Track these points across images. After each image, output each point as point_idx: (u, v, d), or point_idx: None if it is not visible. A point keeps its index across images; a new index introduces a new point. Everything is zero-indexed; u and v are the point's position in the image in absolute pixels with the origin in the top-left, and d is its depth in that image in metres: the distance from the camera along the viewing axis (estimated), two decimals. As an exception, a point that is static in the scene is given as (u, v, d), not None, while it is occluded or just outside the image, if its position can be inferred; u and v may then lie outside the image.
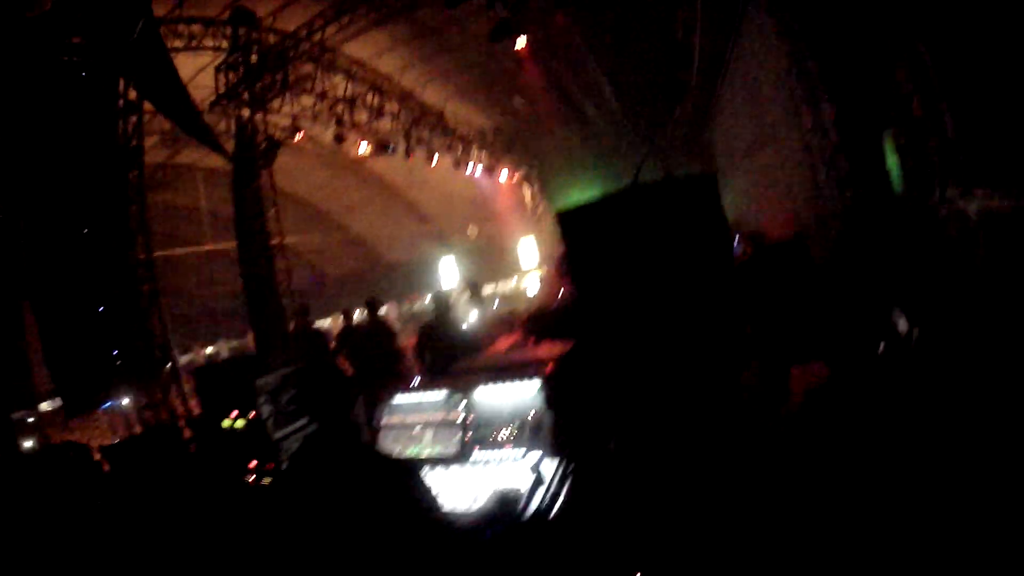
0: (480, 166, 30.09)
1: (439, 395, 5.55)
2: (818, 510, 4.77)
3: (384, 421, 5.60)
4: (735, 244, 14.67)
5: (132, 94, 11.68)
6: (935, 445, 5.06)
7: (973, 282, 7.72)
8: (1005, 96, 8.01)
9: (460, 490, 4.65)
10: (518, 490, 4.33)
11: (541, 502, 4.24)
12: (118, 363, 11.30)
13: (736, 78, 21.41)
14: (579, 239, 4.56)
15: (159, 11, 13.16)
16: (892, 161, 11.60)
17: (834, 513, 4.73)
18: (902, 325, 6.69)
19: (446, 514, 3.70)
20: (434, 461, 5.10)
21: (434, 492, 3.58)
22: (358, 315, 16.44)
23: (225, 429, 7.74)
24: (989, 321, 6.35)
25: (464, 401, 5.36)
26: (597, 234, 4.41)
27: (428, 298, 13.66)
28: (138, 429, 11.83)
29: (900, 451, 5.17)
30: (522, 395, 5.10)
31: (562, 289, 21.03)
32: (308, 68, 19.19)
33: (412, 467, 3.50)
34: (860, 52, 11.94)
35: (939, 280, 8.00)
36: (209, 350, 32.76)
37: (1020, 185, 7.49)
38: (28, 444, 11.60)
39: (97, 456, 9.06)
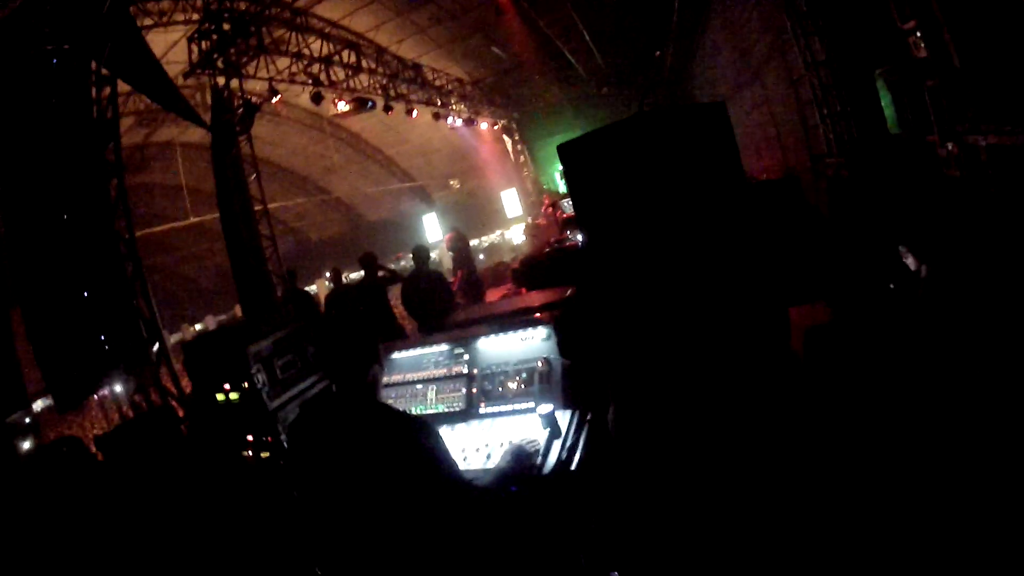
0: (460, 119, 29.64)
1: (440, 349, 5.37)
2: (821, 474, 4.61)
3: (384, 379, 5.30)
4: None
5: (105, 72, 11.33)
6: (945, 393, 4.90)
7: (979, 217, 7.58)
8: (1011, 29, 7.81)
9: (471, 447, 4.45)
10: (535, 441, 4.14)
11: (560, 454, 4.06)
12: (106, 348, 11.02)
13: (720, 16, 21.17)
14: (583, 172, 4.28)
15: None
16: (886, 99, 11.34)
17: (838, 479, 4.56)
18: (911, 262, 6.51)
19: (461, 473, 3.46)
20: (440, 419, 4.88)
21: (447, 450, 3.38)
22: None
23: (219, 403, 7.40)
24: (998, 256, 6.21)
25: (467, 354, 5.19)
26: (603, 165, 4.15)
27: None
28: (131, 414, 11.58)
29: (909, 402, 5.00)
30: (527, 343, 4.97)
31: (549, 237, 20.96)
32: (282, 32, 18.81)
33: (429, 425, 3.30)
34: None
35: (943, 217, 7.84)
36: (198, 327, 32.57)
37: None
38: (25, 445, 11.39)
39: (92, 448, 8.88)
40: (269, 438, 7.07)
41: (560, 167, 4.43)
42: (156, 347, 12.00)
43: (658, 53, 28.43)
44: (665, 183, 3.89)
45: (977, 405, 4.62)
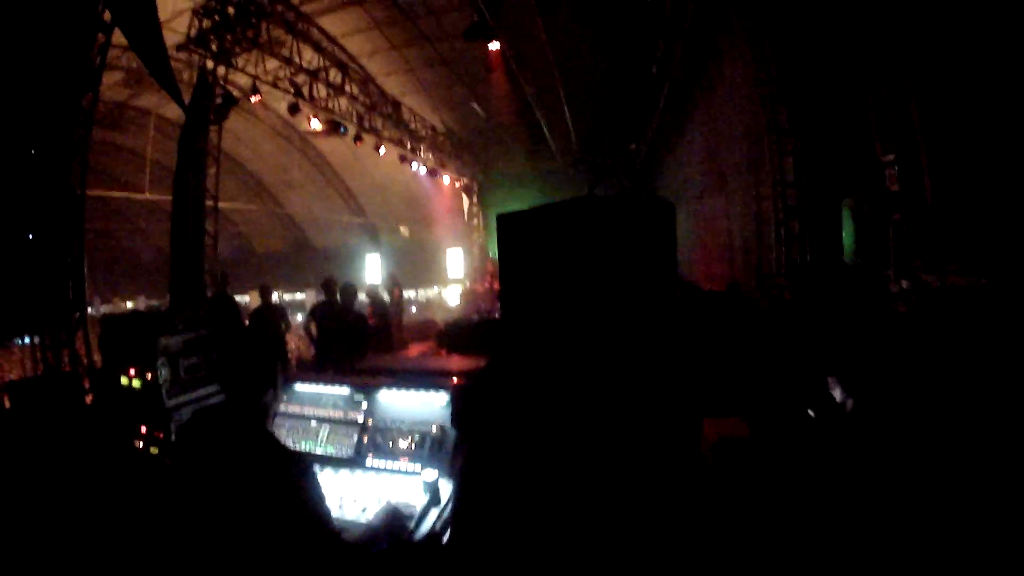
0: (425, 167, 29.80)
1: (341, 390, 5.32)
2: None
3: (281, 408, 5.25)
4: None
5: (107, 15, 11.27)
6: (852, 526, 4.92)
7: (924, 357, 7.71)
8: (988, 175, 8.04)
9: (349, 497, 4.46)
10: (412, 506, 4.18)
11: (435, 523, 4.08)
12: (35, 296, 10.85)
13: (701, 119, 21.57)
14: (517, 246, 4.33)
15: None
16: (848, 228, 11.57)
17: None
18: (837, 394, 6.58)
19: (335, 521, 3.47)
20: (326, 460, 4.87)
21: (326, 495, 3.39)
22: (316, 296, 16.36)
23: (122, 386, 7.41)
24: (937, 401, 6.30)
25: (365, 402, 5.15)
26: (538, 243, 4.19)
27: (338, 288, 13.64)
28: (41, 367, 11.39)
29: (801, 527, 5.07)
30: (428, 406, 4.95)
31: (481, 304, 21.00)
32: (280, 32, 18.89)
33: (308, 465, 3.27)
34: (838, 115, 12.00)
35: (880, 352, 7.95)
36: (129, 304, 32.11)
37: (996, 262, 7.51)
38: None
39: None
40: (160, 434, 7.09)
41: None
42: (78, 314, 11.80)
43: (632, 146, 28.84)
44: (597, 274, 3.95)
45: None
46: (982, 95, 7.99)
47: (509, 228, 4.30)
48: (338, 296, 12.92)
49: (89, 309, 12.08)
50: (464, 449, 3.96)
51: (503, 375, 4.56)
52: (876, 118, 10.54)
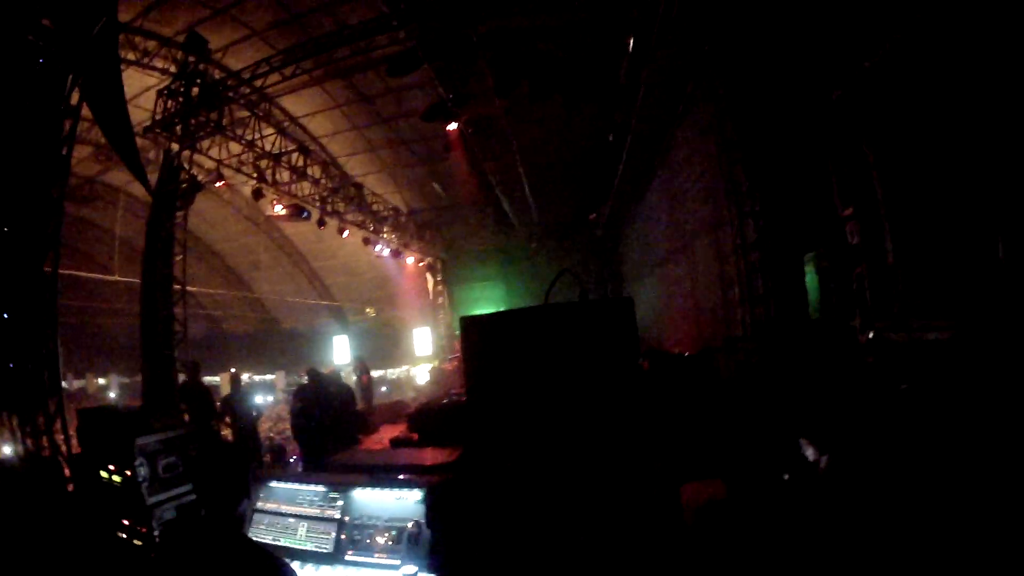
0: (388, 248, 29.87)
1: (317, 488, 5.41)
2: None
3: (259, 505, 5.40)
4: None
5: (74, 99, 11.38)
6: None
7: (892, 413, 7.76)
8: (950, 230, 8.17)
9: None
10: None
11: None
12: (11, 375, 10.83)
13: (662, 184, 21.82)
14: (481, 349, 4.50)
15: (123, 15, 13.01)
16: (812, 284, 11.69)
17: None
18: (810, 453, 6.65)
19: None
20: (306, 556, 4.98)
21: None
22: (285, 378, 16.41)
23: (103, 479, 7.54)
24: (907, 455, 6.36)
25: (341, 500, 5.25)
26: (501, 346, 4.36)
27: (305, 374, 13.73)
28: (20, 450, 11.30)
29: None
30: (402, 502, 5.02)
31: (451, 383, 21.04)
32: (243, 114, 19.08)
33: (283, 562, 3.35)
34: (794, 172, 12.15)
35: (853, 409, 8.01)
36: (101, 381, 31.87)
37: (960, 318, 7.59)
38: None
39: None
40: (143, 528, 7.13)
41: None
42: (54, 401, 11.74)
43: (592, 216, 29.13)
44: (562, 372, 4.11)
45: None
46: (944, 155, 8.17)
47: (470, 330, 4.47)
48: (320, 382, 13.06)
49: (63, 384, 12.00)
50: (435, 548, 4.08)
51: (473, 472, 4.66)
52: (835, 173, 10.73)
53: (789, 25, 11.11)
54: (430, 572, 4.40)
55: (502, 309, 4.45)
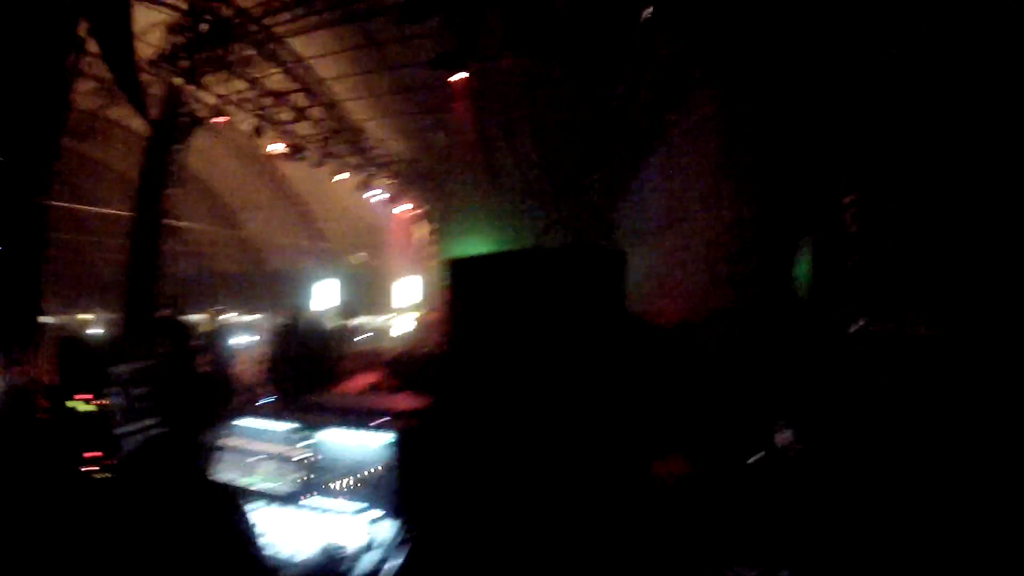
0: (385, 194, 29.66)
1: (286, 427, 5.37)
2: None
3: (224, 442, 5.38)
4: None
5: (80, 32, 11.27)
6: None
7: (874, 405, 7.75)
8: (953, 226, 8.14)
9: (287, 534, 4.52)
10: (346, 548, 4.26)
11: (374, 563, 4.16)
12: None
13: (661, 157, 21.70)
14: (466, 292, 4.46)
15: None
16: (804, 269, 11.62)
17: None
18: (785, 437, 6.67)
19: (267, 558, 3.56)
20: (268, 497, 4.95)
21: (259, 532, 3.49)
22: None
23: (75, 410, 7.47)
24: (884, 448, 6.36)
25: (309, 440, 5.20)
26: (487, 290, 4.33)
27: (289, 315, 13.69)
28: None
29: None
30: (371, 446, 4.98)
31: (433, 334, 21.03)
32: (250, 52, 18.93)
33: (238, 502, 3.37)
34: (799, 155, 12.06)
35: (833, 397, 8.00)
36: (89, 316, 31.77)
37: (952, 315, 7.57)
38: None
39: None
40: (111, 459, 7.11)
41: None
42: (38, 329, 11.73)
43: (590, 179, 29.03)
44: (546, 319, 4.07)
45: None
46: (950, 150, 8.14)
47: (456, 272, 4.44)
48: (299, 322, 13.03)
49: (49, 318, 11.99)
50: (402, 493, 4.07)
51: (446, 418, 4.66)
52: (841, 161, 10.67)
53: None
54: (395, 516, 4.41)
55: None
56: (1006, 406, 5.87)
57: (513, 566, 3.87)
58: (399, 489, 4.54)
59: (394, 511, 4.44)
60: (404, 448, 4.43)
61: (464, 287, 4.43)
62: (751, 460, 6.80)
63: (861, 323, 9.69)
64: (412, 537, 4.19)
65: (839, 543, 5.05)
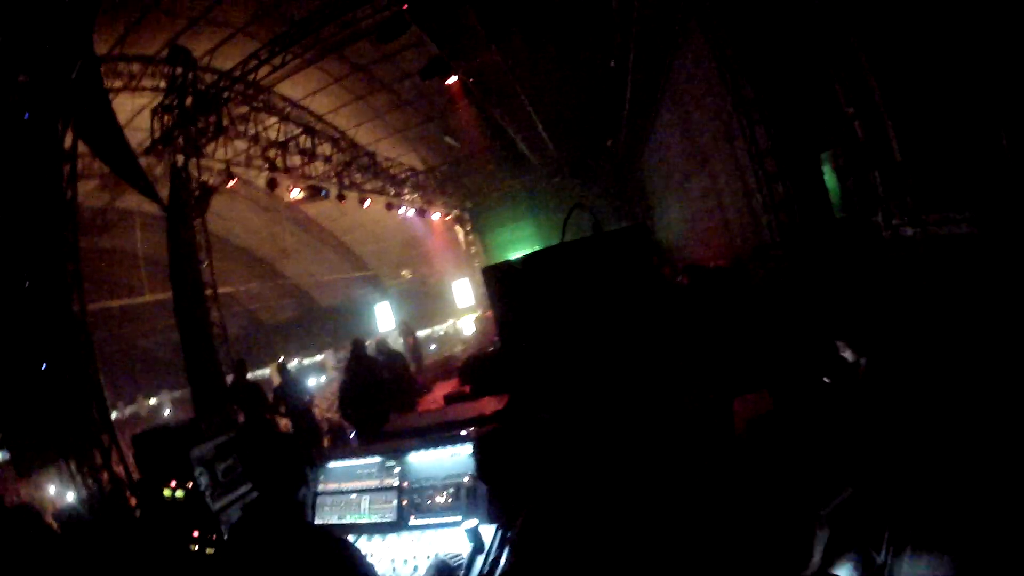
0: (412, 209, 29.91)
1: (372, 460, 5.45)
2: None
3: (320, 487, 5.46)
4: (676, 274, 14.57)
5: (67, 142, 11.42)
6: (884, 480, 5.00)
7: (920, 308, 7.66)
8: (956, 117, 7.99)
9: (399, 559, 4.59)
10: (459, 556, 4.30)
11: (482, 568, 4.21)
12: (61, 422, 11.01)
13: (671, 104, 21.57)
14: (505, 296, 4.49)
15: (100, 48, 13.04)
16: (831, 183, 11.54)
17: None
18: (848, 355, 6.60)
19: None
20: (372, 528, 5.03)
21: (372, 563, 3.53)
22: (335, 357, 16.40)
23: (166, 498, 7.60)
24: (936, 349, 6.30)
25: (397, 467, 5.27)
26: (524, 290, 4.35)
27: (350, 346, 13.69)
28: (83, 492, 11.50)
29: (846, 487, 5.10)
30: (456, 459, 5.06)
31: (490, 337, 21.05)
32: (243, 110, 19.10)
33: (348, 542, 3.46)
34: (798, 75, 11.95)
35: (885, 306, 7.91)
36: (152, 401, 32.29)
37: (974, 211, 7.44)
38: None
39: (49, 520, 8.98)
40: (214, 536, 7.27)
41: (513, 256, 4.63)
42: (105, 431, 11.89)
43: (609, 142, 28.92)
44: (583, 308, 4.08)
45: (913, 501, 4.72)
46: (938, 47, 7.98)
47: (492, 279, 4.47)
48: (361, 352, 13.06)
49: (115, 414, 12.16)
50: (513, 510, 4.06)
51: (521, 419, 4.65)
52: (836, 74, 10.53)
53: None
54: (489, 522, 4.49)
55: (532, 249, 4.42)
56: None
57: (613, 534, 3.88)
58: (489, 493, 4.61)
59: (488, 517, 4.52)
60: (483, 453, 4.45)
61: (501, 292, 4.46)
62: (823, 381, 6.76)
63: (888, 231, 9.56)
64: (512, 537, 4.17)
65: (903, 459, 5.02)
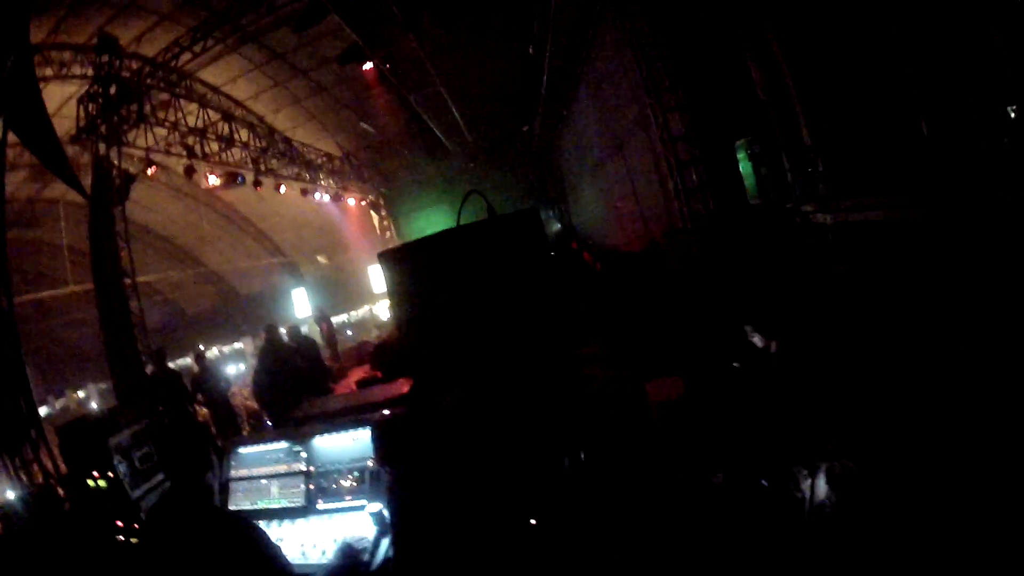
0: (327, 195, 29.75)
1: (280, 446, 5.50)
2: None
3: (232, 473, 5.52)
4: (589, 260, 14.83)
5: (-1, 134, 11.32)
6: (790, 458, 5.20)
7: (831, 293, 7.90)
8: (871, 104, 8.29)
9: (308, 543, 4.70)
10: (364, 539, 4.40)
11: (388, 550, 4.29)
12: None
13: (587, 93, 21.86)
14: (401, 279, 4.64)
15: (34, 37, 12.85)
16: (747, 170, 11.80)
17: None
18: (757, 340, 6.86)
19: (295, 569, 3.77)
20: (282, 513, 5.11)
21: (281, 547, 3.68)
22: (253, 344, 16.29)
23: (91, 488, 7.69)
24: (846, 332, 6.52)
25: (304, 452, 5.34)
26: (419, 273, 4.52)
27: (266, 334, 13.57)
28: (18, 489, 11.45)
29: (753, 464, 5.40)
30: (359, 443, 5.13)
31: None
32: (164, 97, 18.98)
33: (255, 526, 3.57)
34: (713, 61, 12.24)
35: (796, 290, 8.16)
36: (81, 394, 31.74)
37: (892, 197, 7.70)
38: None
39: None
40: (136, 524, 7.29)
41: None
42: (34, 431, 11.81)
43: (526, 128, 29.16)
44: (477, 288, 4.28)
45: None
46: (852, 36, 8.24)
47: (387, 263, 4.66)
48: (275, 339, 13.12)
49: (45, 408, 12.10)
50: (390, 483, 4.24)
51: (419, 404, 4.83)
52: (751, 63, 10.84)
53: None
54: (387, 507, 4.49)
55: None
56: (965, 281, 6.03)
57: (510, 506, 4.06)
58: (387, 480, 4.49)
59: (388, 502, 4.48)
60: (382, 439, 4.50)
61: (398, 276, 4.59)
62: (733, 366, 6.98)
63: (799, 217, 9.85)
64: (395, 523, 4.25)
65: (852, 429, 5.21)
